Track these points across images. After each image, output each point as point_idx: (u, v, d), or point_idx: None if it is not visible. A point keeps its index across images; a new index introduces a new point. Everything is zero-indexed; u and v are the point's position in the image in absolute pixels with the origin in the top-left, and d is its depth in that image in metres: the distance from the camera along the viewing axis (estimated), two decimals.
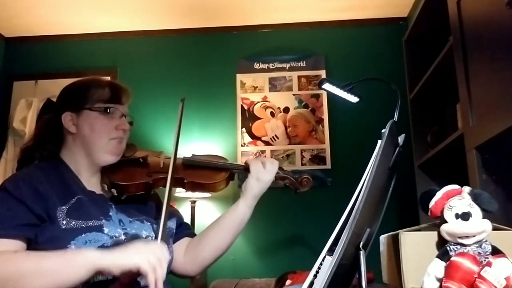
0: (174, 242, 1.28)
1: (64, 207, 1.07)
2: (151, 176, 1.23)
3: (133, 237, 1.13)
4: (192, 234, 1.35)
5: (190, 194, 2.71)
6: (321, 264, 0.72)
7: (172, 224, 1.29)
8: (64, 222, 1.04)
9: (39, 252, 0.98)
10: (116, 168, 1.22)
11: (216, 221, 1.30)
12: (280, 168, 1.31)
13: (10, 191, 1.04)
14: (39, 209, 1.03)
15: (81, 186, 1.17)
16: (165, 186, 1.16)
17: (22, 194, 1.03)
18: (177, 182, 1.27)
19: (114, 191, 1.18)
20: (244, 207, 1.27)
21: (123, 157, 1.24)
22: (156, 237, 1.11)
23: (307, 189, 1.32)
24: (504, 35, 1.49)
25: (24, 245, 1.02)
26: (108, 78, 3.27)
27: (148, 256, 0.94)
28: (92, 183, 1.21)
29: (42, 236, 1.03)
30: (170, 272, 1.26)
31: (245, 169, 1.30)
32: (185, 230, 1.34)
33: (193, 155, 1.36)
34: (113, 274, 0.94)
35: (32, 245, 1.03)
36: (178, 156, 1.25)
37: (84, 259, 0.94)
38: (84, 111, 1.19)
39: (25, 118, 3.13)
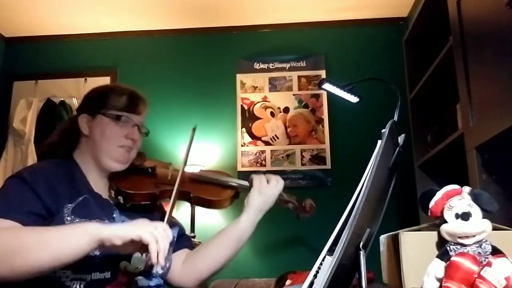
0: (173, 251, 1.28)
1: (70, 205, 1.09)
2: (159, 187, 1.24)
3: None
4: (191, 247, 1.35)
5: None
6: (321, 264, 0.71)
7: (174, 232, 1.29)
8: (69, 218, 1.06)
9: (42, 227, 1.00)
10: (124, 175, 1.23)
11: (216, 234, 1.31)
12: (285, 191, 1.31)
13: (26, 180, 1.06)
14: (50, 203, 1.05)
15: (88, 187, 1.18)
16: (171, 198, 1.17)
17: (37, 185, 1.05)
18: (184, 195, 1.28)
19: (120, 198, 1.19)
20: (245, 222, 1.26)
21: (132, 165, 1.25)
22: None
23: (310, 215, 1.33)
24: (504, 35, 1.49)
25: None
26: (108, 78, 3.28)
27: (150, 228, 0.95)
28: (99, 186, 1.22)
29: None
30: (166, 283, 1.27)
31: (251, 187, 1.30)
32: (185, 241, 1.35)
33: (200, 170, 1.36)
34: (115, 245, 0.93)
35: None
36: (185, 170, 1.27)
37: (86, 228, 0.95)
38: (99, 115, 1.21)
39: (25, 118, 3.13)
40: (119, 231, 0.94)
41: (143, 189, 1.22)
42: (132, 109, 1.23)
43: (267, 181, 1.28)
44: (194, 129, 1.29)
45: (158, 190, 1.23)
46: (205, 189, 1.31)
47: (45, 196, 1.05)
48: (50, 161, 1.19)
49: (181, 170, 1.21)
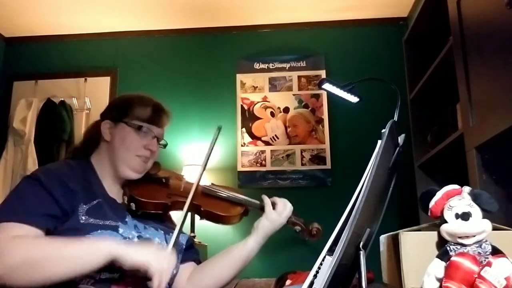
0: (181, 261, 1.30)
1: (85, 206, 1.10)
2: (171, 197, 1.26)
3: (146, 242, 1.16)
4: (198, 261, 1.37)
5: None
6: (321, 264, 0.72)
7: (183, 240, 1.31)
8: (84, 218, 1.08)
9: (59, 238, 1.02)
10: (138, 183, 1.24)
11: (222, 253, 1.32)
12: (293, 213, 1.34)
13: (41, 181, 1.07)
14: (66, 203, 1.07)
15: (102, 191, 1.20)
16: (181, 210, 1.19)
17: (53, 186, 1.07)
18: (194, 208, 1.29)
19: (133, 205, 1.21)
20: (253, 245, 1.30)
21: (146, 174, 1.27)
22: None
23: (316, 239, 1.34)
24: (504, 35, 1.49)
25: (43, 235, 1.04)
26: (108, 78, 3.28)
27: (158, 259, 1.00)
28: (113, 191, 1.23)
29: (61, 226, 1.06)
30: None
31: (261, 208, 1.32)
32: (193, 254, 1.37)
33: (212, 184, 1.40)
34: (124, 266, 0.99)
35: (50, 235, 1.05)
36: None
37: (103, 246, 1.00)
38: (121, 123, 1.23)
39: (25, 118, 3.13)
40: (131, 254, 0.99)
41: (156, 198, 1.24)
42: (155, 122, 1.26)
43: (278, 210, 1.31)
44: (219, 128, 1.32)
45: (170, 200, 1.25)
46: (216, 204, 1.32)
47: (60, 197, 1.06)
48: (65, 161, 1.21)
49: (195, 184, 1.22)
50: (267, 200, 1.33)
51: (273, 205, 1.32)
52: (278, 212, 1.31)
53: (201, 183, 1.33)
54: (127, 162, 1.21)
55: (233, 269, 1.30)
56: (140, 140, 1.23)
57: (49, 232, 1.05)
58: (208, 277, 1.29)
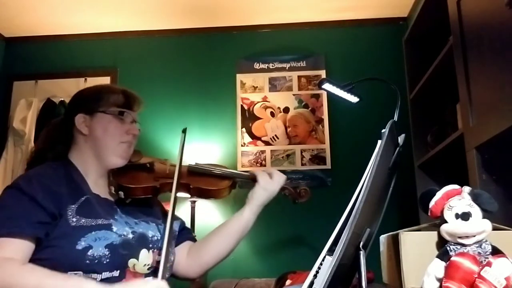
0: (176, 245, 1.30)
1: (73, 206, 1.09)
2: (158, 180, 1.27)
3: (141, 236, 1.16)
4: (193, 239, 1.38)
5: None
6: (321, 264, 0.72)
7: (176, 226, 1.31)
8: (74, 219, 1.07)
9: (44, 270, 0.98)
10: (123, 171, 1.25)
11: (220, 226, 1.34)
12: None
13: (23, 189, 1.06)
14: (52, 207, 1.05)
15: (87, 188, 1.19)
16: (171, 191, 1.20)
17: (36, 192, 1.05)
18: (183, 187, 1.31)
19: (121, 193, 1.21)
20: (249, 215, 1.31)
21: (130, 162, 1.27)
22: (162, 238, 1.16)
23: (305, 200, 1.37)
24: (504, 35, 1.49)
25: (33, 246, 1.03)
26: (108, 78, 3.28)
27: None
28: (98, 186, 1.23)
29: (53, 233, 1.04)
30: (172, 275, 1.28)
31: (251, 179, 1.35)
32: (187, 234, 1.38)
33: (196, 163, 1.41)
34: None
35: (43, 242, 1.04)
36: (182, 163, 1.29)
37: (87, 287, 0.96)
38: (98, 113, 1.23)
39: (25, 118, 3.13)
40: None
41: (144, 182, 1.25)
42: (130, 106, 1.27)
43: (271, 177, 1.33)
44: (184, 131, 1.33)
45: (158, 183, 1.26)
46: (204, 180, 1.35)
47: (45, 202, 1.05)
48: (46, 165, 1.19)
49: (177, 167, 1.24)
50: (259, 171, 1.35)
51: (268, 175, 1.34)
52: (274, 180, 1.32)
53: (187, 162, 1.36)
54: (113, 150, 1.21)
55: (231, 241, 1.31)
56: (121, 126, 1.23)
57: (40, 240, 1.03)
58: (207, 251, 1.30)
